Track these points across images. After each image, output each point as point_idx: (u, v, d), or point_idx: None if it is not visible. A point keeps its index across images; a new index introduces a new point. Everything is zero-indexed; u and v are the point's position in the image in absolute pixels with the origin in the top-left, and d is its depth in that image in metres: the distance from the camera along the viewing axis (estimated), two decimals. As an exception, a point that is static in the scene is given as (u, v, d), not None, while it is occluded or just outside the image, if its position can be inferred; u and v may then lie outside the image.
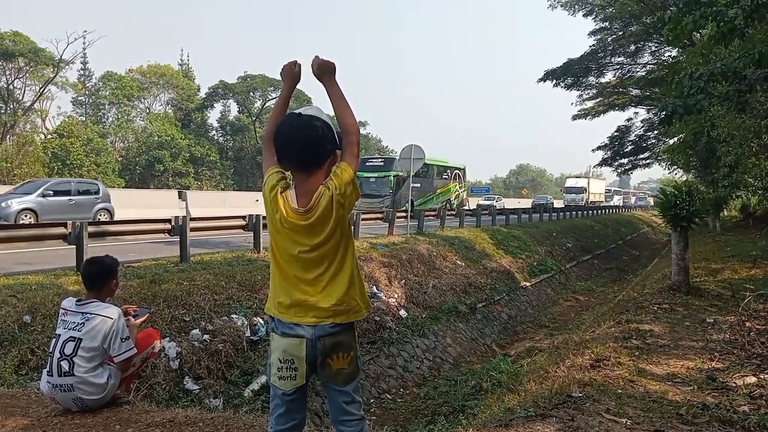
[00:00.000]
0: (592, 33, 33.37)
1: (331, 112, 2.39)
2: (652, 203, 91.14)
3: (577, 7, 32.38)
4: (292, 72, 2.40)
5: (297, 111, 2.30)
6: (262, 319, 8.11)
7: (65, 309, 3.62)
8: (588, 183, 58.07)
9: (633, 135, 37.60)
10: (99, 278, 3.72)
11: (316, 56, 2.33)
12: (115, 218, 16.39)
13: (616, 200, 72.97)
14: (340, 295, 2.22)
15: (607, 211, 46.04)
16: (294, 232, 2.22)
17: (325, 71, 2.32)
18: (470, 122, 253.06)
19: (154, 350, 4.12)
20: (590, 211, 39.57)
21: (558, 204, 50.81)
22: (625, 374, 4.70)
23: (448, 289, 13.49)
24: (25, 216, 14.64)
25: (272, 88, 58.34)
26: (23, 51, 41.76)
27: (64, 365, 3.47)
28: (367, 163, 29.26)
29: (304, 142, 2.22)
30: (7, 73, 44.00)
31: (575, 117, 38.48)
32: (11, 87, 44.69)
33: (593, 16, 32.34)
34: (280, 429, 2.29)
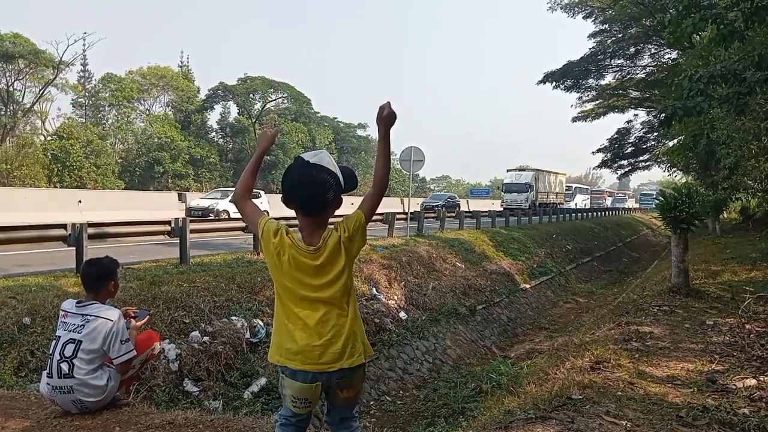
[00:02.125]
0: (592, 35, 33.45)
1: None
2: (634, 205, 74.74)
3: (577, 9, 32.45)
4: (271, 139, 2.51)
5: (306, 158, 2.34)
6: (262, 321, 8.10)
7: (65, 311, 3.61)
8: (535, 178, 41.37)
9: (633, 137, 37.70)
10: (97, 279, 3.71)
11: (389, 102, 2.38)
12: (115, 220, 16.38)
13: (580, 201, 58.21)
14: (345, 339, 2.30)
15: (605, 213, 45.27)
16: (302, 273, 2.29)
17: (389, 121, 2.38)
18: (471, 123, 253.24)
19: (154, 352, 4.11)
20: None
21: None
22: (625, 376, 4.70)
23: (447, 291, 13.49)
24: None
25: (272, 90, 58.38)
26: (23, 53, 41.82)
27: (64, 367, 3.46)
28: None
29: (315, 192, 2.28)
30: (7, 74, 44.08)
31: (575, 119, 38.52)
32: (11, 89, 44.73)
33: (593, 19, 32.41)
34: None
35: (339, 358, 2.28)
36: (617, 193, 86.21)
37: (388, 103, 2.37)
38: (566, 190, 51.79)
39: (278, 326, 2.36)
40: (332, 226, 2.34)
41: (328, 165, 2.32)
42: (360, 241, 2.34)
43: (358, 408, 2.55)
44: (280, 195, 2.41)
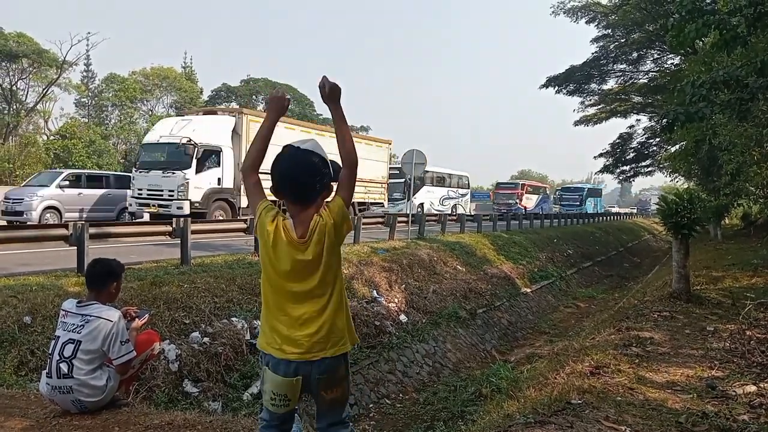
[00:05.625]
0: (595, 40, 33.46)
1: (326, 146, 2.38)
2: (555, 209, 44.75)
3: (580, 14, 32.47)
4: (281, 105, 2.42)
5: (295, 144, 2.33)
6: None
7: (65, 311, 3.62)
8: (237, 135, 16.15)
9: (635, 142, 37.61)
10: (100, 279, 3.72)
11: (325, 77, 2.34)
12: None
13: (437, 199, 32.16)
14: (330, 328, 2.29)
15: (607, 218, 44.74)
16: (292, 263, 2.27)
17: (334, 96, 2.34)
18: (473, 128, 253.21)
19: (154, 352, 4.12)
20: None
21: None
22: (625, 382, 4.69)
23: (448, 295, 13.47)
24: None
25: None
26: (27, 52, 41.91)
27: (63, 367, 3.46)
28: None
29: (305, 180, 2.28)
30: (11, 74, 44.16)
31: (577, 123, 38.50)
32: (15, 88, 44.85)
33: (596, 24, 32.45)
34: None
35: (323, 347, 2.26)
36: (546, 189, 52.68)
37: (324, 77, 2.33)
38: (391, 175, 25.24)
39: (266, 313, 2.35)
40: (318, 215, 2.30)
41: (319, 152, 2.32)
42: (345, 226, 2.33)
43: (348, 413, 2.50)
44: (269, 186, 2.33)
